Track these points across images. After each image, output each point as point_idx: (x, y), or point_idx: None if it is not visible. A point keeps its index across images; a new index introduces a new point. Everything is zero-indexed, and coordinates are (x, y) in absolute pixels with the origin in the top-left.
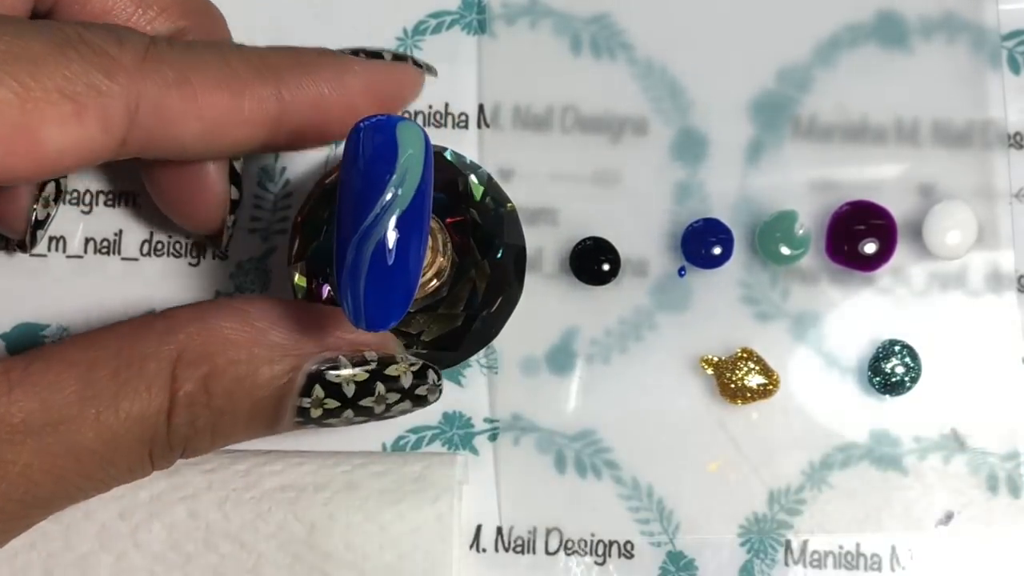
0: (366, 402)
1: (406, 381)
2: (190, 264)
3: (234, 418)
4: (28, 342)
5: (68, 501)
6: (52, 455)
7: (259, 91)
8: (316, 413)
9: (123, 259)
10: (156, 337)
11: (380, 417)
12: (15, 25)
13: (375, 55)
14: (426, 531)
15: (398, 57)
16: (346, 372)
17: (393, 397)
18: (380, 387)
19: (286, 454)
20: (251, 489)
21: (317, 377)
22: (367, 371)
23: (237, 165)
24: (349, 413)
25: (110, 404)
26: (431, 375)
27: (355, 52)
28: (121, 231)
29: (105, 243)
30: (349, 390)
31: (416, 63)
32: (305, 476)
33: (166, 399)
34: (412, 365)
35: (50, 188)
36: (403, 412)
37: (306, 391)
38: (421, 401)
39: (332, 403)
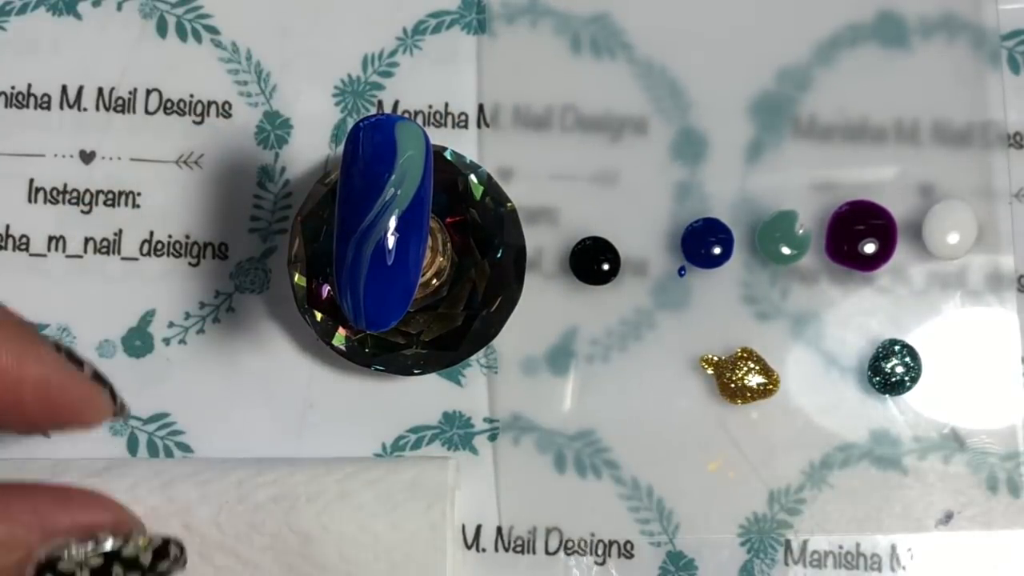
0: None
1: (146, 559)
2: (190, 264)
3: None
4: None
5: None
6: None
7: None
8: None
9: (123, 259)
10: None
11: None
12: None
13: (76, 361)
14: (420, 540)
15: (98, 378)
16: (79, 557)
17: None
18: (117, 569)
19: (279, 463)
20: (244, 501)
21: (48, 567)
22: (102, 555)
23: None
24: None
25: None
26: (172, 550)
27: (57, 346)
28: (121, 231)
29: (105, 243)
30: None
31: (113, 394)
32: (298, 486)
33: None
34: (152, 543)
35: None
36: None
37: None
38: None
39: None
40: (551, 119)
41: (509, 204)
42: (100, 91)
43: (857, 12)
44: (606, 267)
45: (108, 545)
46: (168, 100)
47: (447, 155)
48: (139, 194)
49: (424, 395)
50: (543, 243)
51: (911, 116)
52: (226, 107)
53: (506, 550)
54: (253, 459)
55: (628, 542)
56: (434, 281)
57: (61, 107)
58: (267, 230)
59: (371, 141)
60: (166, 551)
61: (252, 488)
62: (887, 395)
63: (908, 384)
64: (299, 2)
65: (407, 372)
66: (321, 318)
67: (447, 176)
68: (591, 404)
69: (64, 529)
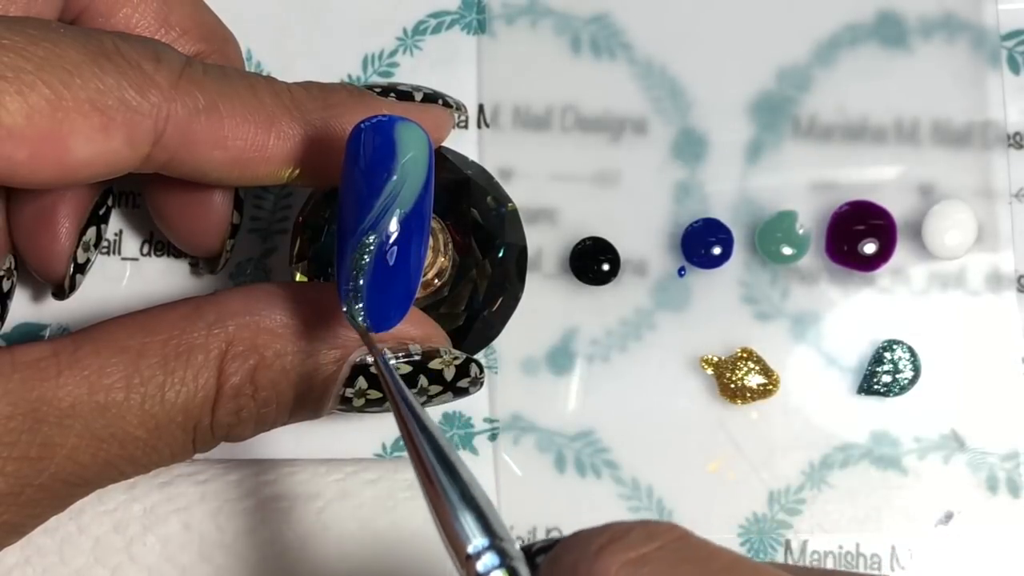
0: None
1: (449, 374)
2: (190, 264)
3: (278, 408)
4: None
5: (110, 481)
6: (98, 439)
7: (285, 128)
8: (358, 403)
9: (123, 259)
10: (205, 327)
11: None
12: (54, 32)
13: (406, 95)
14: (420, 540)
15: (428, 98)
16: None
17: (435, 389)
18: (423, 380)
19: (278, 463)
20: (244, 500)
21: (361, 369)
22: (411, 364)
23: (240, 190)
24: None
25: (156, 393)
26: (473, 369)
27: (385, 92)
28: (121, 231)
29: (105, 243)
30: None
31: (446, 103)
32: (298, 486)
33: (212, 391)
34: (456, 359)
35: (91, 233)
36: (443, 403)
37: (350, 381)
38: (462, 393)
39: (374, 394)
40: (551, 119)
41: (511, 204)
42: None
43: (857, 12)
44: (606, 267)
45: (418, 356)
46: None
47: (447, 155)
48: (139, 195)
49: None
50: (543, 243)
51: (911, 116)
52: None
53: None
54: (253, 459)
55: None
56: (436, 281)
57: None
58: (267, 230)
59: (373, 142)
60: (467, 370)
61: (252, 487)
62: (886, 395)
63: (908, 384)
64: (299, 2)
65: None
66: None
67: (448, 176)
68: (591, 404)
69: (382, 338)
